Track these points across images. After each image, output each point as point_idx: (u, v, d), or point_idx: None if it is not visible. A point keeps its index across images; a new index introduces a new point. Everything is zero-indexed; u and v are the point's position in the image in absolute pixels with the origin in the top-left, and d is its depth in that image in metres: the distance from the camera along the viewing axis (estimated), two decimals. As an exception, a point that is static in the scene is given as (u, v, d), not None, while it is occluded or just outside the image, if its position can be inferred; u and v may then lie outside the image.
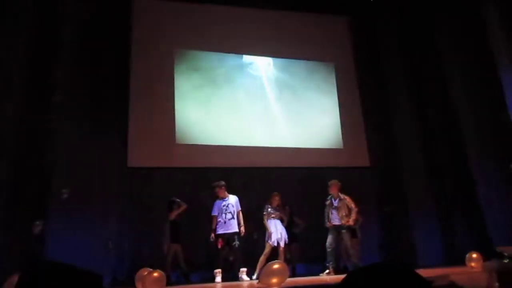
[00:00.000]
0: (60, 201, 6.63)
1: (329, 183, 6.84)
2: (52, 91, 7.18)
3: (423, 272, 1.06)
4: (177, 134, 7.84)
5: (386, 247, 8.16)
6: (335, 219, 6.63)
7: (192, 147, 7.85)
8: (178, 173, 7.77)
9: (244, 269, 6.03)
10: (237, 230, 6.13)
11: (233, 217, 6.14)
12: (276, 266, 4.94)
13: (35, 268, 1.40)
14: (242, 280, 5.91)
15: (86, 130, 7.28)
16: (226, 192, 6.36)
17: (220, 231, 6.10)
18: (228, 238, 6.08)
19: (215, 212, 6.22)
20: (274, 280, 4.67)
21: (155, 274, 4.84)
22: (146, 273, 5.05)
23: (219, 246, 6.04)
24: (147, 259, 6.95)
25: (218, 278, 5.90)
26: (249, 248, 7.37)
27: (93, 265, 6.43)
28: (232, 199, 6.30)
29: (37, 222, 6.35)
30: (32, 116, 6.79)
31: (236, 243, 6.06)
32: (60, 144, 7.02)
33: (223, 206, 6.20)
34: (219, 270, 5.95)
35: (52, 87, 7.19)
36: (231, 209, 6.18)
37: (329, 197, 6.82)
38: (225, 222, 6.11)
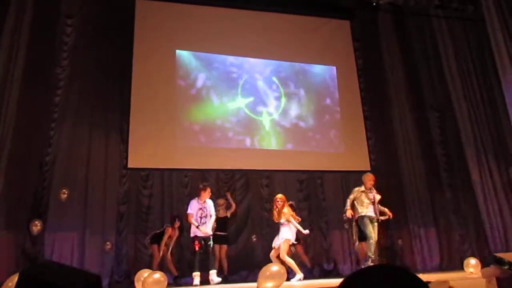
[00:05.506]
0: (59, 201, 6.62)
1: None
2: (52, 91, 7.19)
3: (422, 277, 1.05)
4: (178, 135, 7.83)
5: (384, 251, 8.15)
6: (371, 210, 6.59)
7: (193, 149, 7.84)
8: (178, 174, 7.75)
9: (214, 271, 6.07)
10: (211, 233, 6.23)
11: (207, 222, 6.23)
12: (274, 268, 4.89)
13: (34, 268, 1.40)
14: (213, 281, 5.97)
15: (86, 130, 7.28)
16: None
17: (197, 234, 6.16)
18: (205, 239, 6.14)
19: (192, 211, 6.26)
20: (271, 283, 4.65)
21: (156, 275, 4.82)
22: (146, 274, 5.03)
23: (196, 249, 6.07)
24: (145, 260, 6.95)
25: (197, 281, 5.92)
26: (248, 251, 7.37)
27: (91, 266, 6.45)
28: (209, 203, 6.41)
29: (36, 222, 6.35)
30: (32, 115, 6.79)
31: (211, 243, 6.16)
32: (60, 144, 7.03)
33: (200, 209, 6.28)
34: (198, 273, 5.98)
35: (52, 87, 7.20)
36: (206, 213, 6.28)
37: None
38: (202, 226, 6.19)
